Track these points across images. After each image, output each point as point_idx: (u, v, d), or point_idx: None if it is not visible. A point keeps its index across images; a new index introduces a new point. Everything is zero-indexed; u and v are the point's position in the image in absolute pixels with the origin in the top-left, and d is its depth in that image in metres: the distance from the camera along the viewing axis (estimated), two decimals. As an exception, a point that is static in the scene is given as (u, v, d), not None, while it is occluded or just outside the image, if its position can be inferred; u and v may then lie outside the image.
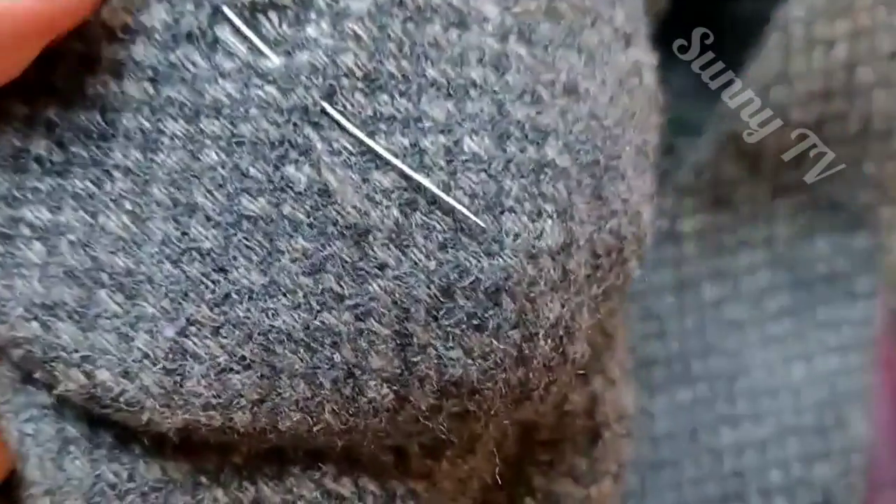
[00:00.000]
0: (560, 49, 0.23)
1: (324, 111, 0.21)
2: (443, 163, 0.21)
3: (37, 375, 0.22)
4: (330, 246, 0.21)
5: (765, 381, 0.39)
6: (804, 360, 0.39)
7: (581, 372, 0.24)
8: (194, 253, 0.21)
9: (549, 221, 0.22)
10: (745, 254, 0.39)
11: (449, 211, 0.21)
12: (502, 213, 0.22)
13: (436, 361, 0.21)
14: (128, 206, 0.21)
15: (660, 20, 0.37)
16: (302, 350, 0.21)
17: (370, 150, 0.21)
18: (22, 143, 0.22)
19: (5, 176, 0.22)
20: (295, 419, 0.22)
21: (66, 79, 0.22)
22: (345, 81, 0.21)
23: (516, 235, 0.22)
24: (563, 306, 0.22)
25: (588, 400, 0.27)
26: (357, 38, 0.21)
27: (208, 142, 0.21)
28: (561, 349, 0.23)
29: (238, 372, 0.21)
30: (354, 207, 0.21)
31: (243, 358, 0.21)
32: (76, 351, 0.21)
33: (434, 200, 0.21)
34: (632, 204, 0.24)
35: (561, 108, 0.23)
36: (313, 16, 0.22)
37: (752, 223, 0.39)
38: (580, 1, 0.24)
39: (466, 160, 0.22)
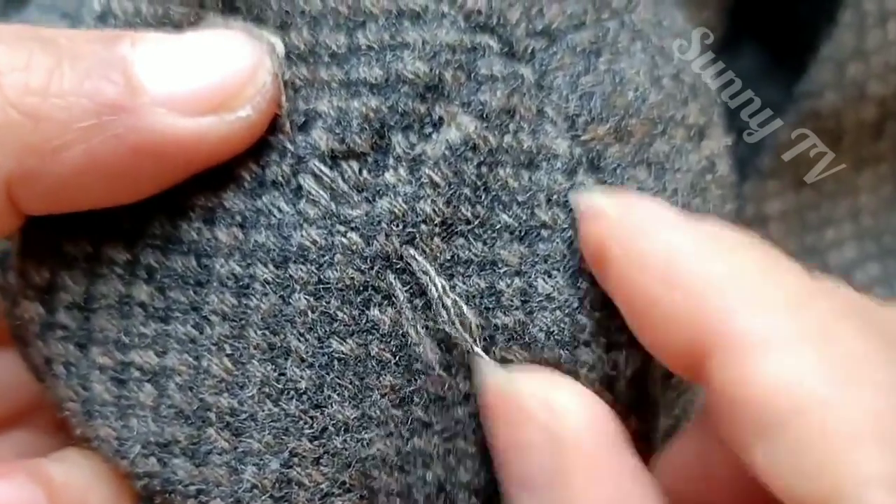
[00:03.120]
0: (629, 168, 0.23)
1: (404, 258, 0.22)
2: (518, 303, 0.22)
3: (158, 501, 0.24)
4: (416, 381, 0.22)
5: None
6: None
7: None
8: (292, 392, 0.22)
9: (624, 352, 0.23)
10: (831, 229, 0.39)
11: (527, 346, 0.22)
12: (577, 347, 0.22)
13: None
14: (228, 349, 0.23)
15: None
16: (396, 472, 0.23)
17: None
18: (126, 289, 0.23)
19: (114, 322, 0.23)
20: None
21: (162, 226, 0.23)
22: (423, 228, 0.22)
23: (591, 367, 0.22)
24: (642, 421, 0.23)
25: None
26: (434, 184, 0.22)
27: (297, 287, 0.22)
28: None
29: (340, 495, 0.23)
30: (438, 345, 0.22)
31: (343, 483, 0.23)
32: (191, 484, 0.23)
33: (512, 336, 0.22)
34: None
35: None
36: (391, 162, 0.22)
37: (835, 198, 0.39)
38: (650, 112, 0.24)
39: (541, 300, 0.22)
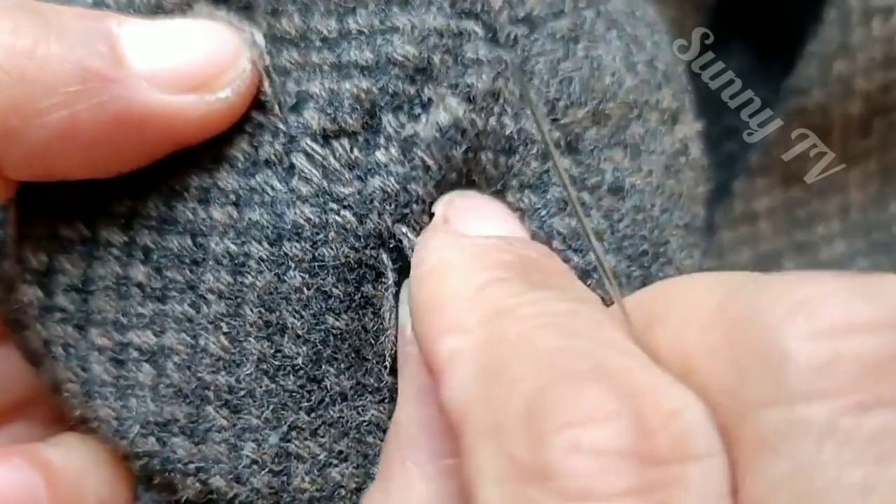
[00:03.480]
0: (605, 150, 0.24)
1: (395, 235, 0.23)
2: None
3: (156, 481, 0.24)
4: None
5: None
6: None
7: None
8: (288, 368, 0.23)
9: None
10: (820, 225, 0.40)
11: None
12: None
13: None
14: (224, 327, 0.23)
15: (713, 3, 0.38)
16: None
17: None
18: (123, 270, 0.23)
19: (111, 303, 0.23)
20: None
21: (158, 207, 0.23)
22: (415, 207, 0.23)
23: None
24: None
25: None
26: (426, 167, 0.23)
27: (292, 264, 0.23)
28: None
29: (336, 465, 0.23)
30: None
31: (340, 452, 0.23)
32: (191, 462, 0.23)
33: None
34: None
35: (606, 209, 0.24)
36: (382, 141, 0.23)
37: (824, 195, 0.39)
38: (626, 96, 0.25)
39: None
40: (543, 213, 0.23)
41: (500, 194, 0.23)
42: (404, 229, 0.22)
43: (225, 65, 0.22)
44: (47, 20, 0.21)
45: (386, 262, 0.22)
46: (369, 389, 0.23)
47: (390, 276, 0.22)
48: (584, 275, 0.23)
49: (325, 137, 0.23)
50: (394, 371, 0.23)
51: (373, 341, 0.23)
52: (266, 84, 0.23)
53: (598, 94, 0.24)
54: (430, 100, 0.23)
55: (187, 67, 0.22)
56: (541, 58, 0.24)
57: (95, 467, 0.24)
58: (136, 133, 0.22)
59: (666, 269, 0.25)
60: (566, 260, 0.23)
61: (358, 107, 0.23)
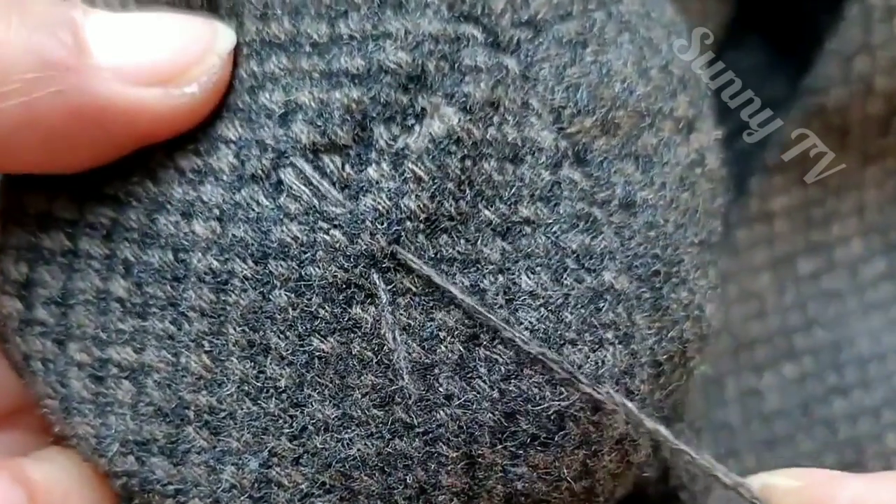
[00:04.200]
0: (616, 161, 0.23)
1: (393, 255, 0.22)
2: (502, 301, 0.22)
3: (136, 502, 0.23)
4: (398, 380, 0.22)
5: (870, 348, 0.39)
6: (907, 322, 0.39)
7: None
8: (271, 390, 0.22)
9: (611, 349, 0.22)
10: (836, 224, 0.39)
11: (511, 344, 0.22)
12: (563, 345, 0.22)
13: (502, 476, 0.22)
14: (206, 346, 0.22)
15: None
16: (377, 474, 0.22)
17: (434, 290, 0.22)
18: (103, 284, 0.23)
19: (91, 317, 0.23)
20: None
21: (140, 219, 0.23)
22: (408, 224, 0.22)
23: (578, 367, 0.22)
24: (626, 423, 0.23)
25: (660, 469, 0.27)
26: (418, 179, 0.22)
27: (277, 283, 0.22)
28: (626, 459, 0.23)
29: (320, 496, 0.22)
30: (420, 345, 0.22)
31: (324, 483, 0.22)
32: (170, 484, 0.23)
33: (496, 336, 0.22)
34: (694, 306, 0.24)
35: (617, 225, 0.23)
36: (374, 156, 0.22)
37: (840, 194, 0.39)
38: (637, 104, 0.23)
39: (524, 298, 0.22)
40: (556, 228, 0.22)
41: (513, 206, 0.22)
42: (407, 253, 0.22)
43: (193, 59, 0.22)
44: (9, 4, 0.21)
45: (378, 282, 0.22)
46: (356, 422, 0.22)
47: (383, 297, 0.22)
48: (597, 296, 0.22)
49: (315, 152, 0.22)
50: (383, 405, 0.22)
51: (360, 369, 0.22)
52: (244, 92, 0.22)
53: (606, 102, 0.23)
54: (423, 110, 0.22)
55: (153, 60, 0.22)
56: (545, 63, 0.23)
57: (80, 485, 0.23)
58: (96, 125, 0.21)
59: (679, 290, 0.24)
60: (579, 280, 0.22)
61: (349, 118, 0.22)
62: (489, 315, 0.22)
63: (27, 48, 0.20)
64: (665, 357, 0.23)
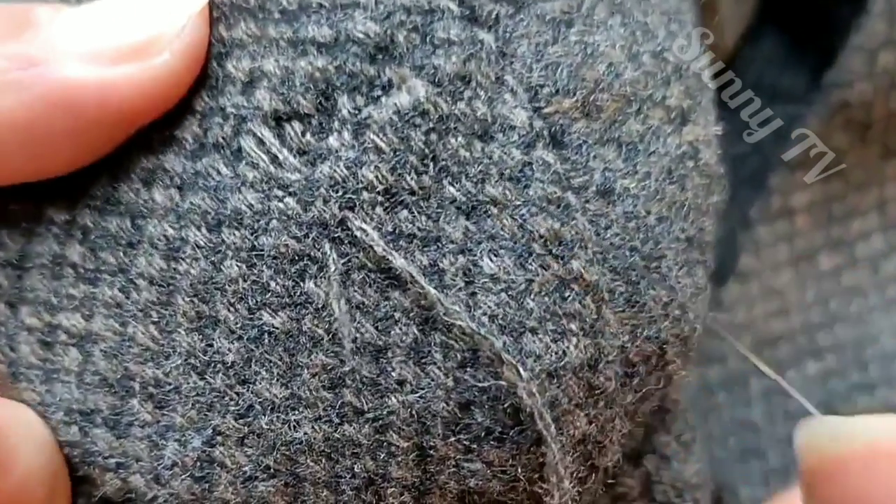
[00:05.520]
0: (596, 146, 0.22)
1: (345, 224, 0.21)
2: (461, 283, 0.21)
3: (80, 474, 0.23)
4: (349, 362, 0.21)
5: (894, 345, 0.39)
6: (930, 318, 0.39)
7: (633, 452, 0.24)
8: (218, 365, 0.21)
9: (574, 340, 0.21)
10: (857, 220, 0.39)
11: (465, 329, 0.21)
12: (522, 334, 0.21)
13: (455, 471, 0.21)
14: (154, 316, 0.22)
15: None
16: (324, 460, 0.21)
17: (390, 269, 0.21)
18: (60, 249, 0.22)
19: (45, 282, 0.23)
20: None
21: (104, 187, 0.22)
22: (365, 195, 0.21)
23: (537, 357, 0.21)
24: (590, 422, 0.22)
25: (642, 481, 0.26)
26: (378, 150, 0.21)
27: (230, 253, 0.21)
28: (590, 462, 0.22)
29: (264, 480, 0.22)
30: (374, 325, 0.21)
31: (268, 467, 0.21)
32: (111, 457, 0.22)
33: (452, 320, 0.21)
34: (675, 305, 0.23)
35: (592, 213, 0.22)
36: (336, 125, 0.21)
37: (861, 189, 0.39)
38: (623, 88, 0.22)
39: (485, 281, 0.21)
40: (524, 210, 0.21)
41: (479, 184, 0.21)
42: (357, 222, 0.21)
43: (161, 27, 0.21)
44: None
45: (329, 251, 0.21)
46: (304, 403, 0.21)
47: (332, 266, 0.21)
48: (563, 284, 0.21)
49: (277, 119, 0.21)
50: (332, 387, 0.21)
51: (310, 348, 0.21)
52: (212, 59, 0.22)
53: (588, 84, 0.22)
54: (390, 81, 0.21)
55: (119, 35, 0.21)
56: (524, 40, 0.22)
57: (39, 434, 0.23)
58: (68, 115, 0.21)
59: (658, 286, 0.22)
60: (545, 267, 0.21)
61: (312, 87, 0.21)
62: (439, 296, 0.21)
63: None
64: (639, 358, 0.22)
